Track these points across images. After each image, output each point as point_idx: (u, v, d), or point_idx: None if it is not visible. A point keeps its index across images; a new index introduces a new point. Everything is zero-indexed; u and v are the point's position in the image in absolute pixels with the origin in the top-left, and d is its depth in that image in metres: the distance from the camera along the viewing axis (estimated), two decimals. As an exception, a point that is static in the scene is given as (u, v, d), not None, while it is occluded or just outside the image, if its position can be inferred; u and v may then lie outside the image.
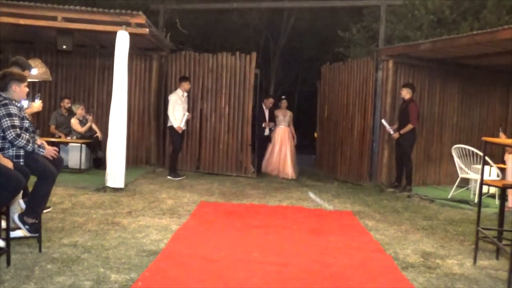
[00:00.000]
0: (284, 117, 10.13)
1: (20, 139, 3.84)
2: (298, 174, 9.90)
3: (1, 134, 3.87)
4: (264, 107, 10.02)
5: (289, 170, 9.68)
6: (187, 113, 8.76)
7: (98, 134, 8.94)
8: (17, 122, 3.88)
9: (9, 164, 3.48)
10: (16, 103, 3.97)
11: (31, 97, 4.69)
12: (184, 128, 8.66)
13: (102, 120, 9.14)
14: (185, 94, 8.76)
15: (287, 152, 9.85)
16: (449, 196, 7.43)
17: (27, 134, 3.95)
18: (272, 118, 10.02)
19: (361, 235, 5.11)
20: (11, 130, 3.83)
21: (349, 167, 9.28)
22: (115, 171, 6.85)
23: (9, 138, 3.82)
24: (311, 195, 7.57)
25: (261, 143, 9.96)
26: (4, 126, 3.83)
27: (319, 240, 4.81)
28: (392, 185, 8.12)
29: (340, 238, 4.91)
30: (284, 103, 10.27)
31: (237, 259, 4.02)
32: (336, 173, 9.69)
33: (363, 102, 8.89)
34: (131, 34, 7.00)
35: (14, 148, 3.86)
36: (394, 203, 7.04)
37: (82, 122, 8.83)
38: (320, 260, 4.11)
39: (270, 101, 10.14)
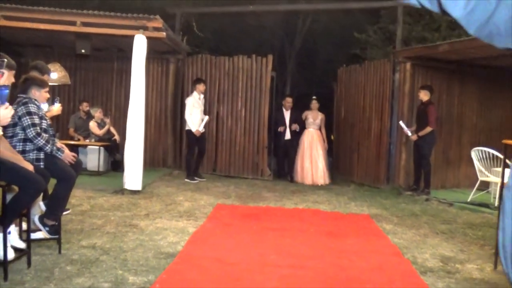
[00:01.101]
0: (314, 119, 9.38)
1: (39, 138, 3.92)
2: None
3: (23, 136, 3.95)
4: (284, 109, 9.60)
5: (321, 177, 9.15)
6: (206, 117, 8.80)
7: (116, 136, 9.05)
8: (37, 120, 3.96)
9: (29, 167, 3.55)
10: (36, 102, 4.05)
11: (50, 100, 4.78)
12: (202, 131, 8.67)
13: (120, 122, 9.25)
14: (202, 96, 8.78)
15: (318, 157, 9.22)
16: (468, 200, 7.32)
17: (46, 135, 4.02)
18: (296, 121, 9.39)
19: (378, 238, 5.07)
20: (32, 129, 3.90)
21: (366, 169, 9.22)
22: (133, 173, 6.91)
23: (29, 136, 3.91)
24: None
25: (280, 148, 9.52)
26: (24, 125, 3.91)
27: (336, 243, 4.78)
28: (410, 188, 8.03)
29: (357, 242, 4.88)
30: (314, 104, 9.46)
31: (253, 262, 4.02)
32: (352, 175, 9.63)
33: (380, 104, 8.83)
34: (148, 37, 7.07)
35: (35, 152, 3.92)
36: (412, 206, 6.96)
37: (100, 125, 8.94)
38: (337, 263, 4.09)
39: (287, 101, 9.58)
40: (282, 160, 9.69)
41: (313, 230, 5.30)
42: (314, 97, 9.70)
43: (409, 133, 7.91)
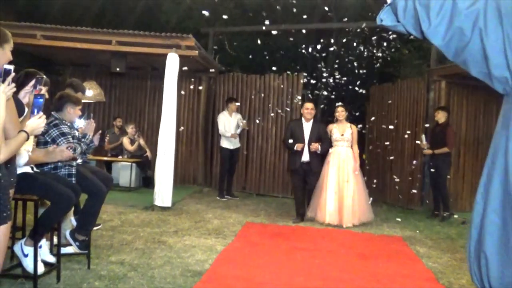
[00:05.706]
0: (341, 134, 6.81)
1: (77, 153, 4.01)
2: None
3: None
4: (303, 119, 6.96)
5: (350, 214, 6.60)
6: (243, 121, 8.73)
7: (148, 153, 9.16)
8: (71, 140, 4.04)
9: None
10: (67, 123, 4.13)
11: (86, 115, 4.86)
12: (232, 147, 8.61)
13: (152, 140, 9.37)
14: (234, 114, 8.74)
15: (348, 187, 6.65)
16: (507, 223, 6.99)
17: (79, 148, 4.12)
18: (319, 137, 6.77)
19: (412, 262, 4.89)
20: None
21: (399, 190, 8.97)
22: (163, 190, 6.96)
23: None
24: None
25: (296, 174, 6.89)
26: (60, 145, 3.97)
27: (367, 266, 4.64)
28: (434, 215, 7.61)
29: (390, 265, 4.72)
30: (340, 112, 6.83)
31: (281, 283, 3.94)
32: (385, 196, 9.39)
33: (414, 124, 8.63)
34: (181, 56, 7.18)
35: (67, 167, 3.99)
36: (447, 229, 6.72)
37: (133, 141, 9.09)
38: (368, 288, 3.96)
39: (306, 108, 6.86)
40: (301, 192, 6.94)
41: (343, 252, 5.17)
42: (339, 103, 7.15)
43: (426, 148, 7.52)
